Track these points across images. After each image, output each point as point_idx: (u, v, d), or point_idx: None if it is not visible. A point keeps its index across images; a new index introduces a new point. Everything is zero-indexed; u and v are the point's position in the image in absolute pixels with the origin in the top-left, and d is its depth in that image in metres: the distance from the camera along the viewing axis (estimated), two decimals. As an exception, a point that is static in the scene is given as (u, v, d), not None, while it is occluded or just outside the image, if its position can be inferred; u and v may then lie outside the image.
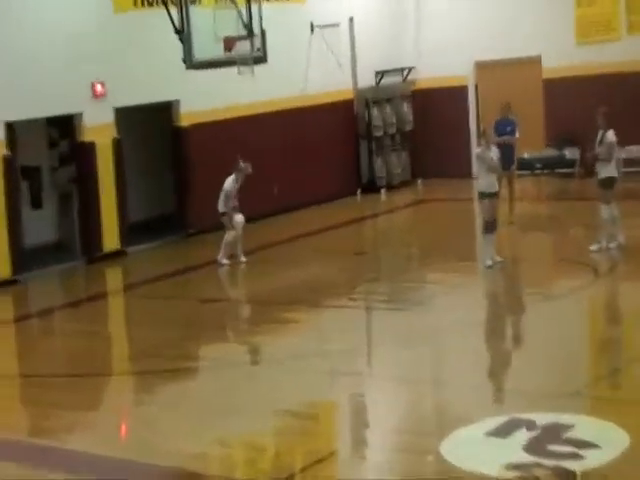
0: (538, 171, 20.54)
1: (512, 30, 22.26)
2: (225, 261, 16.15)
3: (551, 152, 20.85)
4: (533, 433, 8.42)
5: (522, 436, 8.38)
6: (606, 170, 14.85)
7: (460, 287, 14.09)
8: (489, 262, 14.56)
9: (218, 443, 8.83)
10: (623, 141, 20.05)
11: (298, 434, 9.03)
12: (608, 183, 14.86)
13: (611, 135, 14.80)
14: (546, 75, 22.06)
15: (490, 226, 14.62)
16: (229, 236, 16.17)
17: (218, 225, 16.42)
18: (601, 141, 14.89)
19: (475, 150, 14.81)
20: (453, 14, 23.03)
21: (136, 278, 16.58)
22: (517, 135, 17.61)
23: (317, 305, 13.70)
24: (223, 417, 9.47)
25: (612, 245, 14.74)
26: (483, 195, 14.71)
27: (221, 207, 16.25)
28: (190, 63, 16.04)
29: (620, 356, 10.76)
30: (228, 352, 11.91)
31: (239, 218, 16.21)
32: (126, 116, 17.96)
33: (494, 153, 14.82)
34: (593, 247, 14.74)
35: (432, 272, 15.42)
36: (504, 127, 17.48)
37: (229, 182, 16.16)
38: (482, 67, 23.07)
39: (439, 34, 23.20)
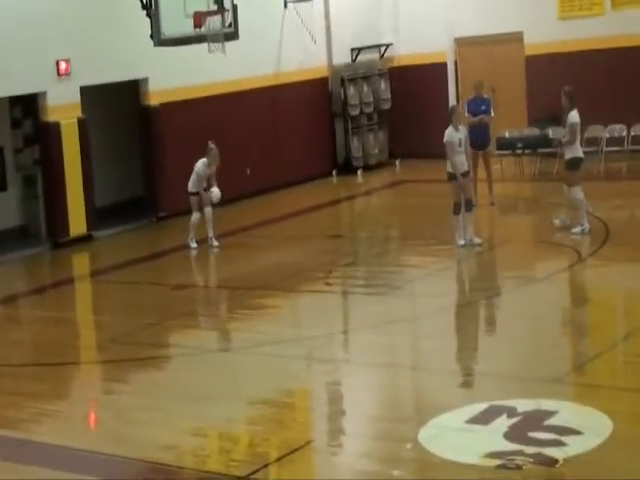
0: (519, 151, 20.63)
1: (493, 5, 22.33)
2: (194, 244, 16.19)
3: (533, 131, 20.93)
4: (514, 420, 8.51)
5: (503, 423, 8.46)
6: (570, 151, 14.99)
7: (439, 271, 14.18)
8: (461, 241, 14.78)
9: (191, 433, 8.87)
10: (606, 120, 20.29)
11: (273, 423, 9.08)
12: (574, 164, 15.01)
13: (574, 115, 14.89)
14: (528, 52, 22.13)
15: (458, 207, 14.78)
16: (194, 218, 16.21)
17: (189, 208, 16.42)
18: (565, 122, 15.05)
19: (445, 135, 14.94)
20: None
21: (104, 263, 16.57)
22: (492, 114, 17.71)
23: (292, 290, 13.75)
24: (196, 406, 9.51)
25: (576, 230, 14.90)
26: (452, 176, 14.84)
27: (190, 187, 16.25)
28: (158, 40, 16.03)
29: (603, 341, 10.87)
30: (201, 339, 11.96)
31: (215, 196, 16.19)
32: (92, 95, 17.93)
33: (462, 133, 14.93)
34: (575, 230, 14.91)
35: (410, 255, 15.53)
36: (478, 106, 17.57)
37: (199, 165, 16.14)
38: (462, 43, 23.13)
39: (417, 9, 23.23)
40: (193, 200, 16.26)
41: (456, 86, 23.22)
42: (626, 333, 11.12)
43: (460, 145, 14.87)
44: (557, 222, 15.25)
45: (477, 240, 14.92)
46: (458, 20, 22.64)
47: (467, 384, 9.86)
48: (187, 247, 16.23)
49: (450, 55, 23.27)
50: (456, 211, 14.93)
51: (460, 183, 14.85)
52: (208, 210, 16.16)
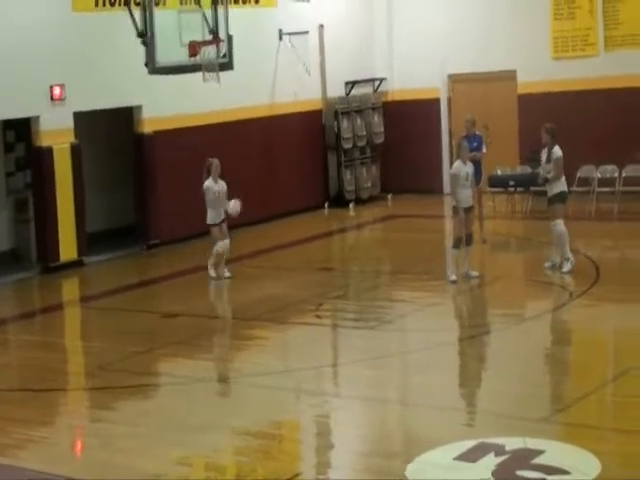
0: (511, 188, 20.73)
1: (487, 43, 22.49)
2: (213, 273, 16.09)
3: (525, 169, 21.04)
4: (502, 458, 8.51)
5: (490, 461, 8.46)
6: (556, 186, 15.13)
7: (429, 306, 14.21)
8: (453, 277, 14.86)
9: (177, 462, 8.87)
10: (598, 160, 20.42)
11: (260, 454, 9.08)
12: (562, 198, 15.15)
13: (558, 150, 15.06)
14: (521, 90, 22.28)
15: (459, 242, 14.89)
16: (218, 247, 16.01)
17: (181, 236, 16.44)
18: (548, 159, 15.13)
19: (452, 168, 15.13)
20: (426, 25, 23.21)
21: (94, 289, 16.59)
22: (484, 150, 17.82)
23: (282, 322, 13.77)
24: (183, 435, 9.50)
25: (566, 267, 15.00)
26: (458, 209, 14.96)
27: (210, 219, 16.04)
28: (153, 68, 16.09)
29: (591, 381, 10.90)
30: (190, 368, 11.93)
31: (233, 208, 16.00)
32: (86, 121, 18.00)
33: (469, 168, 15.11)
34: (565, 268, 14.99)
35: (401, 290, 15.55)
36: (470, 143, 17.66)
37: (208, 186, 15.95)
38: (456, 80, 23.30)
39: (412, 45, 23.39)
40: (215, 231, 16.05)
41: (449, 122, 23.36)
42: (615, 374, 11.17)
43: (467, 179, 14.99)
44: (548, 264, 15.31)
45: (474, 273, 15.03)
46: (452, 57, 22.81)
47: (456, 421, 9.85)
48: (178, 275, 16.24)
49: (443, 91, 23.44)
50: (456, 245, 15.00)
51: (462, 218, 14.95)
52: (226, 242, 16.05)
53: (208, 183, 15.96)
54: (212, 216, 15.98)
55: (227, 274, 16.02)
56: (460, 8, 22.87)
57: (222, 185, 16.03)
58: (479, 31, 22.61)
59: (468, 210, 15.11)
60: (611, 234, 18.18)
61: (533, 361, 11.63)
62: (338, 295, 15.26)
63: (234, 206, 16.00)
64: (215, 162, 16.03)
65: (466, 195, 15.04)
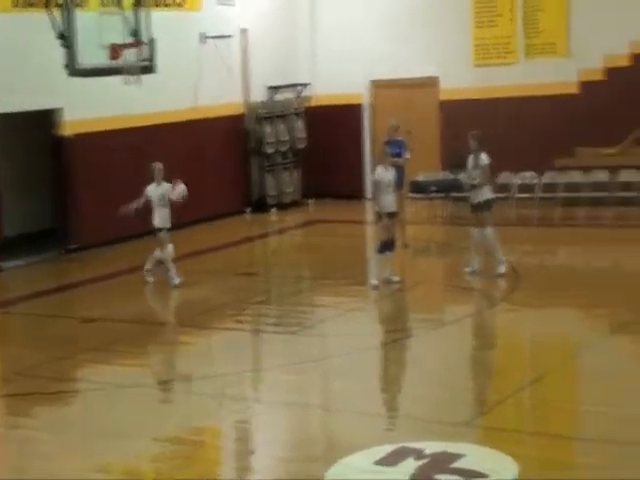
0: (433, 194, 20.90)
1: (409, 49, 22.65)
2: (150, 278, 15.88)
3: (446, 175, 21.23)
4: (421, 462, 8.51)
5: (410, 465, 8.47)
6: (483, 193, 15.31)
7: (351, 311, 14.27)
8: (375, 282, 14.93)
9: (96, 469, 8.78)
10: (518, 166, 20.68)
11: (180, 460, 9.03)
12: (490, 205, 15.35)
13: (485, 157, 15.24)
14: (443, 97, 22.48)
15: (385, 246, 14.98)
16: (165, 252, 15.78)
17: (101, 241, 16.28)
18: (475, 165, 15.29)
19: (375, 174, 15.27)
20: (349, 32, 23.31)
21: (11, 295, 16.33)
22: (407, 156, 17.94)
23: (204, 327, 13.71)
24: (102, 442, 9.41)
25: (501, 269, 15.18)
26: (381, 215, 15.04)
27: (158, 223, 15.82)
28: (73, 70, 15.95)
29: (510, 385, 11.02)
30: (109, 374, 11.82)
31: (178, 192, 15.85)
32: (3, 123, 17.73)
33: (391, 174, 15.20)
34: (500, 270, 15.17)
35: (323, 295, 15.58)
36: (393, 149, 17.77)
37: (150, 191, 15.78)
38: (378, 86, 23.42)
39: (335, 51, 23.47)
40: (163, 236, 15.82)
41: (371, 128, 23.48)
42: (533, 378, 11.29)
43: (389, 185, 15.06)
44: (468, 270, 15.46)
45: (395, 278, 15.13)
46: (375, 63, 22.92)
47: (376, 425, 9.89)
48: (100, 279, 16.10)
49: (366, 97, 23.55)
50: (381, 250, 15.09)
51: (385, 223, 15.03)
52: (170, 247, 15.85)
53: (149, 187, 15.81)
54: (159, 220, 15.80)
55: (177, 281, 15.86)
56: (382, 15, 22.99)
57: (165, 188, 15.86)
58: (401, 37, 22.75)
59: (391, 215, 15.20)
60: (530, 240, 18.42)
61: (453, 365, 11.73)
62: (260, 300, 15.25)
63: (178, 192, 15.85)
64: (158, 166, 15.91)
65: (389, 201, 15.13)
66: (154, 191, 15.78)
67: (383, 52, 22.85)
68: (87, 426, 9.99)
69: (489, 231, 15.20)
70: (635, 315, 12.99)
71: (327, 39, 23.70)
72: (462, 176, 15.85)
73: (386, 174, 15.14)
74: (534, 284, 15.08)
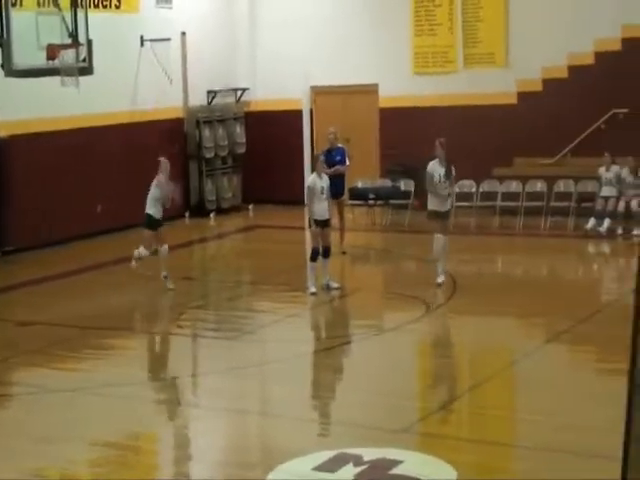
0: (372, 201, 21.00)
1: (350, 56, 22.75)
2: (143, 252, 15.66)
3: (385, 182, 21.36)
4: (360, 468, 8.57)
5: (349, 471, 8.52)
6: (449, 202, 15.51)
7: (290, 317, 14.28)
8: (313, 289, 15.00)
9: (31, 474, 8.70)
10: (457, 175, 20.81)
11: (116, 465, 8.97)
12: (449, 214, 15.52)
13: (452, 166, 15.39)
14: (382, 104, 22.60)
15: (316, 253, 15.02)
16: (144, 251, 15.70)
17: (39, 243, 16.12)
18: (447, 174, 15.35)
19: (308, 181, 15.35)
20: (289, 37, 23.35)
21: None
22: (347, 163, 18.03)
23: (142, 331, 13.67)
24: (37, 446, 9.33)
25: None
26: (315, 222, 15.09)
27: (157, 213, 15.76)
28: (9, 70, 15.78)
29: (449, 392, 11.13)
30: (45, 378, 11.71)
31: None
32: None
33: (325, 181, 15.26)
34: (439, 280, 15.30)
35: (262, 301, 15.58)
36: (333, 156, 17.87)
37: (159, 184, 15.70)
38: (318, 92, 23.49)
39: (275, 56, 23.50)
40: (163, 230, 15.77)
41: (311, 134, 23.54)
42: (471, 385, 11.41)
43: (322, 192, 15.11)
44: (440, 280, 15.36)
45: (334, 285, 15.19)
46: (315, 69, 22.99)
47: (316, 431, 9.94)
48: (37, 282, 15.94)
49: (306, 103, 23.60)
50: (313, 258, 15.15)
51: (317, 231, 15.09)
52: (165, 247, 15.81)
53: (162, 179, 15.72)
54: (159, 214, 15.75)
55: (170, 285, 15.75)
56: (323, 21, 23.07)
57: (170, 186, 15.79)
58: (341, 44, 22.84)
59: (324, 223, 15.25)
60: (468, 248, 18.56)
61: (392, 372, 11.79)
62: (199, 305, 15.22)
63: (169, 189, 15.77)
64: (165, 161, 15.91)
65: (322, 208, 15.17)
66: (165, 185, 15.66)
67: (323, 58, 22.93)
68: (21, 430, 9.88)
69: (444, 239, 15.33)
70: (571, 324, 13.16)
71: (267, 44, 23.73)
72: (435, 179, 15.53)
73: (319, 182, 15.19)
74: (472, 292, 15.20)
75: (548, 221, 19.79)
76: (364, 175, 21.44)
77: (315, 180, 15.20)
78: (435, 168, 15.36)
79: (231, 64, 23.87)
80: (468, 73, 21.85)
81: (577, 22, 20.42)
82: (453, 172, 15.48)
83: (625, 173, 19.44)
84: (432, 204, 15.42)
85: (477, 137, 21.34)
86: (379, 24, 22.52)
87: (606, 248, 19.10)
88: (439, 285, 15.20)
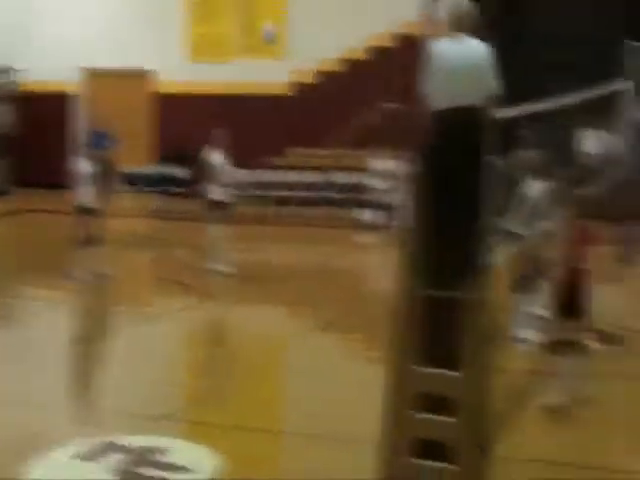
0: (146, 188, 20.79)
1: (125, 41, 22.47)
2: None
3: (159, 169, 21.19)
4: (124, 456, 8.47)
5: (112, 459, 8.41)
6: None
7: (57, 304, 14.00)
8: (81, 275, 14.81)
9: None
10: (232, 164, 20.90)
11: None
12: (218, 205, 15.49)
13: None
14: (157, 90, 22.41)
15: (86, 241, 14.76)
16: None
17: None
18: (225, 162, 15.40)
19: (76, 166, 15.04)
20: (66, 19, 22.87)
21: None
22: (114, 149, 17.77)
23: None
24: None
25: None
26: (80, 210, 14.76)
27: None
28: None
29: (214, 379, 11.13)
30: None
31: None
32: None
33: (89, 166, 14.96)
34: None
35: (29, 287, 15.21)
36: (100, 140, 17.60)
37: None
38: (91, 75, 23.07)
39: (49, 37, 23.00)
40: None
41: (81, 118, 23.09)
42: (238, 372, 11.44)
43: (90, 177, 14.81)
44: (223, 268, 15.25)
45: (102, 272, 14.90)
46: (89, 52, 22.59)
47: (79, 419, 9.74)
48: None
49: (77, 86, 23.12)
50: (82, 244, 14.81)
51: (85, 217, 14.78)
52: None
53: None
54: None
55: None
56: (101, 5, 22.69)
57: None
58: (117, 28, 22.54)
59: (90, 210, 14.94)
60: (242, 237, 18.59)
61: (158, 359, 11.71)
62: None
63: None
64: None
65: (89, 193, 14.88)
66: None
67: (98, 42, 22.58)
68: None
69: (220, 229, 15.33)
70: (341, 314, 13.39)
71: (43, 25, 23.14)
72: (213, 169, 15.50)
73: (87, 166, 14.89)
74: (244, 281, 15.27)
75: (322, 212, 20.08)
76: (136, 161, 21.19)
77: (83, 165, 14.88)
78: (213, 157, 15.38)
79: (7, 43, 23.12)
80: (245, 63, 21.94)
81: (352, 19, 20.81)
82: (230, 162, 15.48)
83: (396, 166, 19.92)
84: (211, 193, 15.41)
85: (253, 126, 21.46)
86: (157, 10, 22.37)
87: (376, 239, 19.53)
88: (217, 273, 15.20)
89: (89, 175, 14.84)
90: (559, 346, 11.10)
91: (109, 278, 15.05)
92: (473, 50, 7.56)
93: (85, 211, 14.82)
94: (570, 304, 10.09)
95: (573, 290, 10.22)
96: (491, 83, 7.53)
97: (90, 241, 14.85)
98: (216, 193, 15.34)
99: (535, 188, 11.81)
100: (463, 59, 7.53)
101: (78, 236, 14.91)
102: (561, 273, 10.19)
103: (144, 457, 8.50)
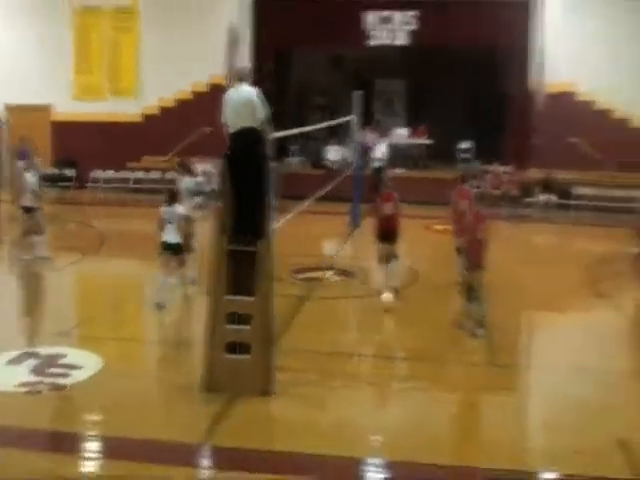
0: (46, 183, 19.71)
1: (35, 84, 21.34)
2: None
3: (54, 170, 20.24)
4: (38, 361, 8.31)
5: (30, 363, 8.24)
6: None
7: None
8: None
9: None
10: (101, 164, 20.23)
11: None
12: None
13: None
14: (55, 118, 21.51)
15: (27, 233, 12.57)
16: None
17: None
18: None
19: None
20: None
21: None
22: (31, 159, 16.73)
23: None
24: None
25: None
26: (24, 208, 12.49)
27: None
28: None
29: (98, 307, 10.73)
30: None
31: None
32: None
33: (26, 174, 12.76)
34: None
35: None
36: (24, 154, 16.72)
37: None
38: (12, 109, 21.84)
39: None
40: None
41: (6, 139, 21.78)
42: (108, 302, 11.05)
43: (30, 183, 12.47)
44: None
45: (44, 255, 12.52)
46: (10, 89, 21.28)
47: (6, 336, 9.24)
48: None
49: (2, 116, 21.79)
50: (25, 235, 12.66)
51: (25, 214, 12.55)
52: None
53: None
54: None
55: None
56: (13, 61, 21.43)
57: None
58: (28, 78, 21.30)
59: (31, 208, 12.49)
60: (111, 215, 17.84)
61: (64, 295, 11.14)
62: None
63: None
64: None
65: (29, 195, 12.45)
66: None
67: (16, 85, 21.33)
68: None
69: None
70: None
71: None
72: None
73: (25, 174, 12.64)
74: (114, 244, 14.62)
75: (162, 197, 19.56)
76: (42, 166, 20.16)
77: (23, 173, 12.81)
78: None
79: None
80: (114, 100, 21.33)
81: (182, 73, 20.56)
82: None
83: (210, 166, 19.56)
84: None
85: (119, 142, 20.94)
86: (54, 65, 21.29)
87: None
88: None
89: (29, 181, 12.59)
90: (312, 280, 11.38)
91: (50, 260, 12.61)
92: (248, 93, 7.71)
93: (27, 209, 12.61)
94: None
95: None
96: (260, 113, 7.65)
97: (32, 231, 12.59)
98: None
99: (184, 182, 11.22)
100: (242, 99, 7.69)
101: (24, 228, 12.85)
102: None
103: (51, 361, 8.35)
